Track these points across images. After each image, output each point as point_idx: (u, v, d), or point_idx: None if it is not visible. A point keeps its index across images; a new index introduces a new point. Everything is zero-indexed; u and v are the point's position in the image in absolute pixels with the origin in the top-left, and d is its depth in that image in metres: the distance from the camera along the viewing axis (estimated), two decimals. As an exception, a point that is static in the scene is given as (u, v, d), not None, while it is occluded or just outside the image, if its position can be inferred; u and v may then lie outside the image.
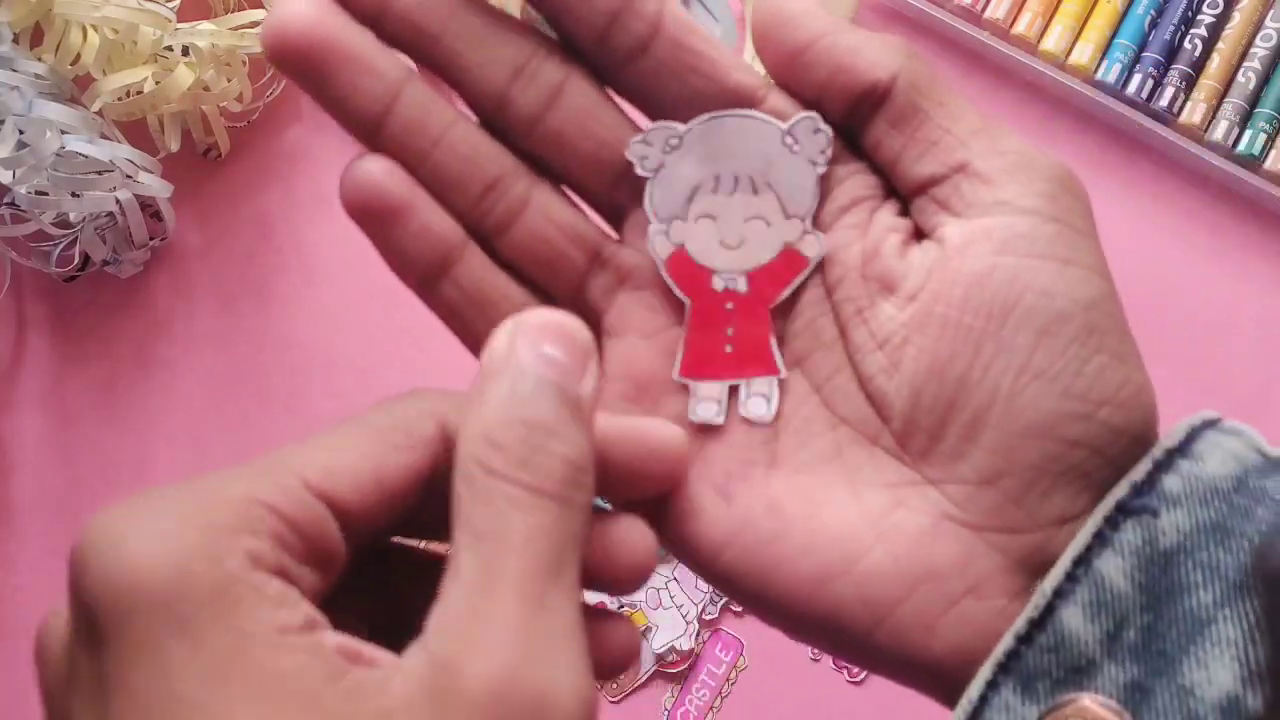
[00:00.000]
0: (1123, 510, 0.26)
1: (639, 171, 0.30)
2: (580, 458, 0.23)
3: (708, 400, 0.30)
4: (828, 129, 0.29)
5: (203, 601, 0.20)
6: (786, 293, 0.30)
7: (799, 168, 0.30)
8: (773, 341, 0.30)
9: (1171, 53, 0.57)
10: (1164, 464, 0.26)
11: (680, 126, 0.29)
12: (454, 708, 0.20)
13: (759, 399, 0.30)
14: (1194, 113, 0.56)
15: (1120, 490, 0.26)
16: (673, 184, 0.30)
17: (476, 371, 0.25)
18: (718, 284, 0.31)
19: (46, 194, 0.52)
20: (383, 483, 0.24)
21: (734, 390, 0.30)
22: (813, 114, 0.29)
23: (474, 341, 0.28)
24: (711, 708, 0.57)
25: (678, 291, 0.30)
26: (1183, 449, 0.27)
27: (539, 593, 0.22)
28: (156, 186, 0.55)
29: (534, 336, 0.24)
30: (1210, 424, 0.27)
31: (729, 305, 0.31)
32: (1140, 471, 0.26)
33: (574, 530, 0.23)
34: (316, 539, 0.23)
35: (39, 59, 0.53)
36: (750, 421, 0.29)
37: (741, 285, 0.31)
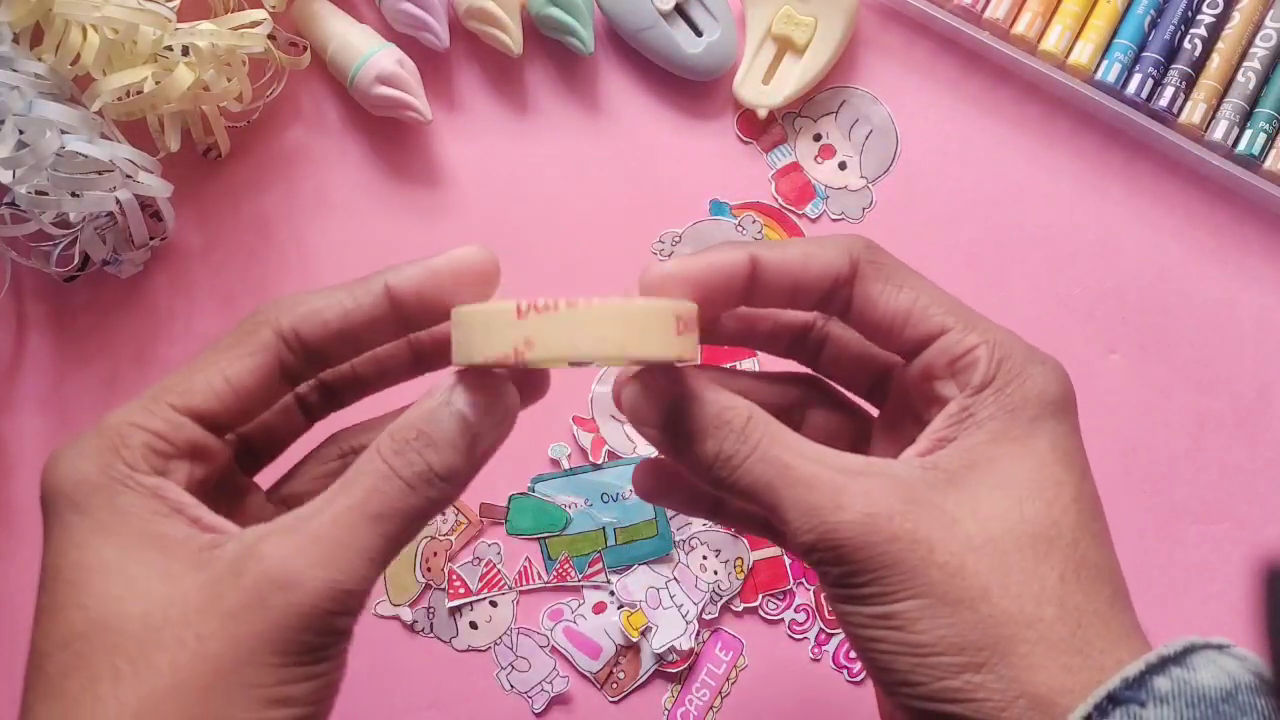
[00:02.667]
0: (1113, 699, 0.28)
1: (660, 259, 0.49)
2: (442, 468, 0.31)
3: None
4: (760, 220, 0.46)
5: (93, 491, 0.31)
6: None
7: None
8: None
9: (1171, 53, 0.57)
10: (1156, 667, 0.30)
11: (678, 230, 0.57)
12: (238, 568, 0.29)
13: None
14: (1194, 113, 0.56)
15: (1113, 682, 0.29)
16: None
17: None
18: None
19: (46, 194, 0.52)
20: (234, 384, 0.33)
21: (733, 369, 0.47)
22: (750, 213, 0.45)
23: None
24: (711, 708, 0.57)
25: None
26: (1178, 659, 0.30)
27: (351, 524, 0.30)
28: (156, 186, 0.55)
29: (471, 383, 0.32)
30: (1215, 646, 0.30)
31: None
32: (1133, 669, 0.29)
33: (408, 506, 0.31)
34: (183, 442, 0.32)
35: (39, 59, 0.53)
36: None
37: None
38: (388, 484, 0.30)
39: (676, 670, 0.57)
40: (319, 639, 0.30)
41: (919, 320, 0.33)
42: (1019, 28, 0.58)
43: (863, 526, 0.30)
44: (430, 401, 0.32)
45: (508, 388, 0.32)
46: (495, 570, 0.57)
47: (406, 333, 0.35)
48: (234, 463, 0.35)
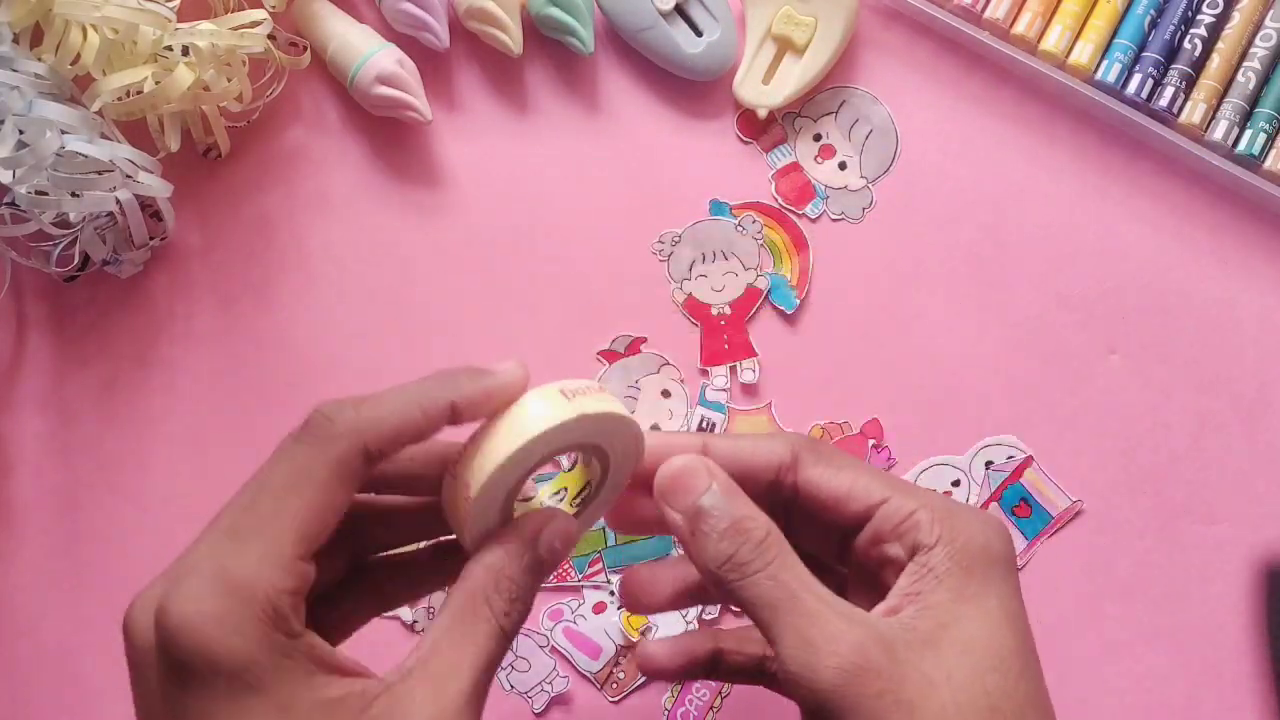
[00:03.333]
0: None
1: (659, 258, 0.58)
2: (524, 615, 0.36)
3: (720, 377, 0.58)
4: (760, 220, 0.55)
5: (264, 670, 0.31)
6: (753, 311, 0.58)
7: (748, 242, 0.58)
8: (751, 339, 0.57)
9: (1171, 53, 0.57)
10: None
11: (678, 230, 0.58)
12: None
13: (748, 371, 0.58)
14: (1194, 113, 0.56)
15: None
16: (680, 261, 0.58)
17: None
18: (714, 312, 0.58)
19: (46, 194, 0.52)
20: (339, 511, 0.34)
21: (734, 369, 0.58)
22: (750, 212, 0.53)
23: None
24: (711, 708, 0.57)
25: (690, 320, 0.57)
26: None
27: (477, 682, 0.34)
28: (156, 186, 0.55)
29: (555, 534, 0.36)
30: None
31: (722, 322, 0.58)
32: None
33: (501, 654, 0.35)
34: (307, 586, 0.33)
35: (39, 59, 0.53)
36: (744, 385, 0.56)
37: (728, 311, 0.58)
38: (499, 643, 0.34)
39: (676, 670, 0.57)
40: None
41: (860, 495, 0.38)
42: (1019, 28, 0.58)
43: (852, 675, 0.33)
44: (524, 554, 0.36)
45: (577, 530, 0.37)
46: (495, 570, 0.57)
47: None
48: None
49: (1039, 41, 0.58)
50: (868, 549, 0.38)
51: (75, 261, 0.57)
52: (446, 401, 0.35)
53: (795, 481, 0.39)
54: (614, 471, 0.38)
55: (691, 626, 0.56)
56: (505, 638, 0.35)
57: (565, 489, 0.39)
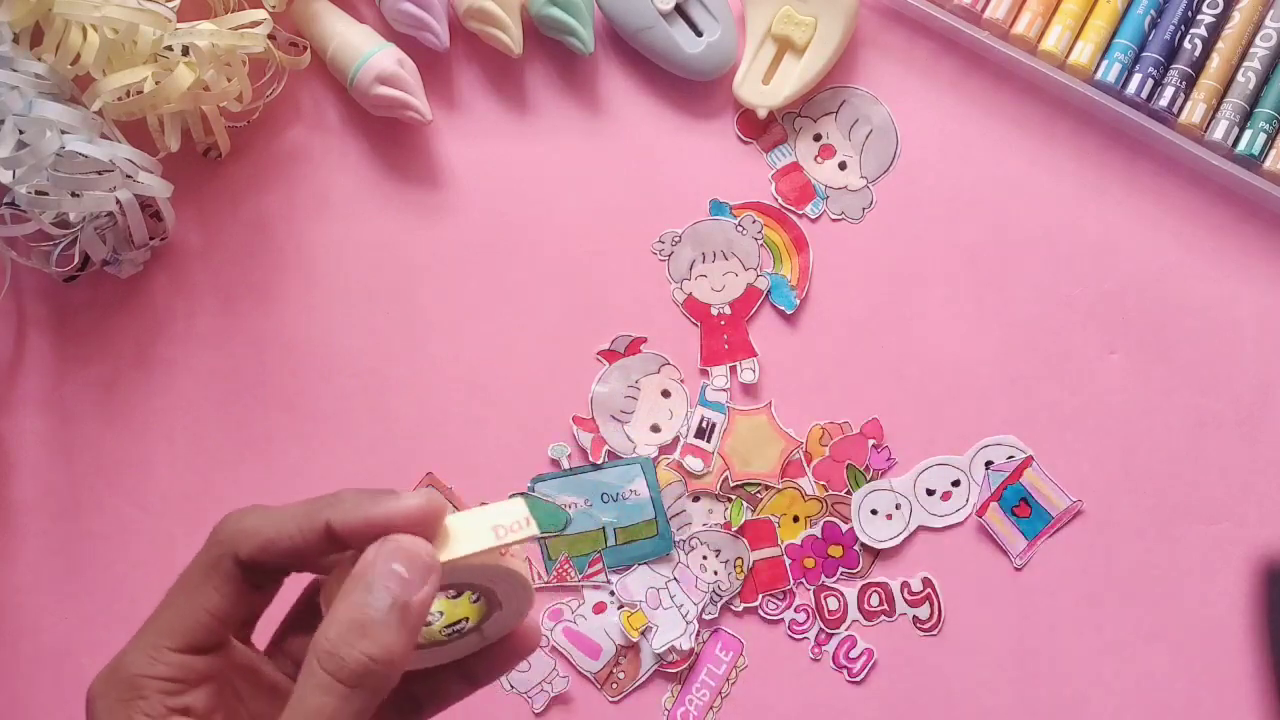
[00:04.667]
0: None
1: (659, 258, 0.59)
2: (381, 654, 0.34)
3: (720, 376, 0.58)
4: (760, 220, 0.57)
5: None
6: (753, 311, 0.58)
7: (748, 242, 0.59)
8: (751, 339, 0.58)
9: (1171, 53, 0.57)
10: None
11: (678, 230, 0.59)
12: None
13: (748, 371, 0.58)
14: (1194, 113, 0.56)
15: None
16: (680, 261, 0.59)
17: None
18: (714, 311, 0.59)
19: (46, 194, 0.52)
20: (215, 614, 0.37)
21: (733, 369, 0.58)
22: (750, 212, 0.58)
23: None
24: (711, 708, 0.57)
25: (690, 320, 0.58)
26: None
27: None
28: (156, 186, 0.55)
29: (389, 555, 0.34)
30: None
31: (722, 322, 0.58)
32: None
33: (356, 709, 0.34)
34: (192, 673, 0.37)
35: (39, 59, 0.53)
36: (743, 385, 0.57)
37: (727, 310, 0.58)
38: (328, 696, 0.34)
39: (676, 670, 0.57)
40: None
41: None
42: (1019, 28, 0.58)
43: None
44: (355, 593, 0.35)
45: (424, 548, 0.36)
46: (495, 570, 0.57)
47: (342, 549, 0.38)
48: (248, 654, 0.40)
49: (1039, 41, 0.58)
50: None
51: (75, 261, 0.57)
52: (322, 521, 0.37)
53: None
54: (495, 620, 0.38)
55: (692, 627, 0.56)
56: (344, 691, 0.34)
57: (442, 612, 0.39)
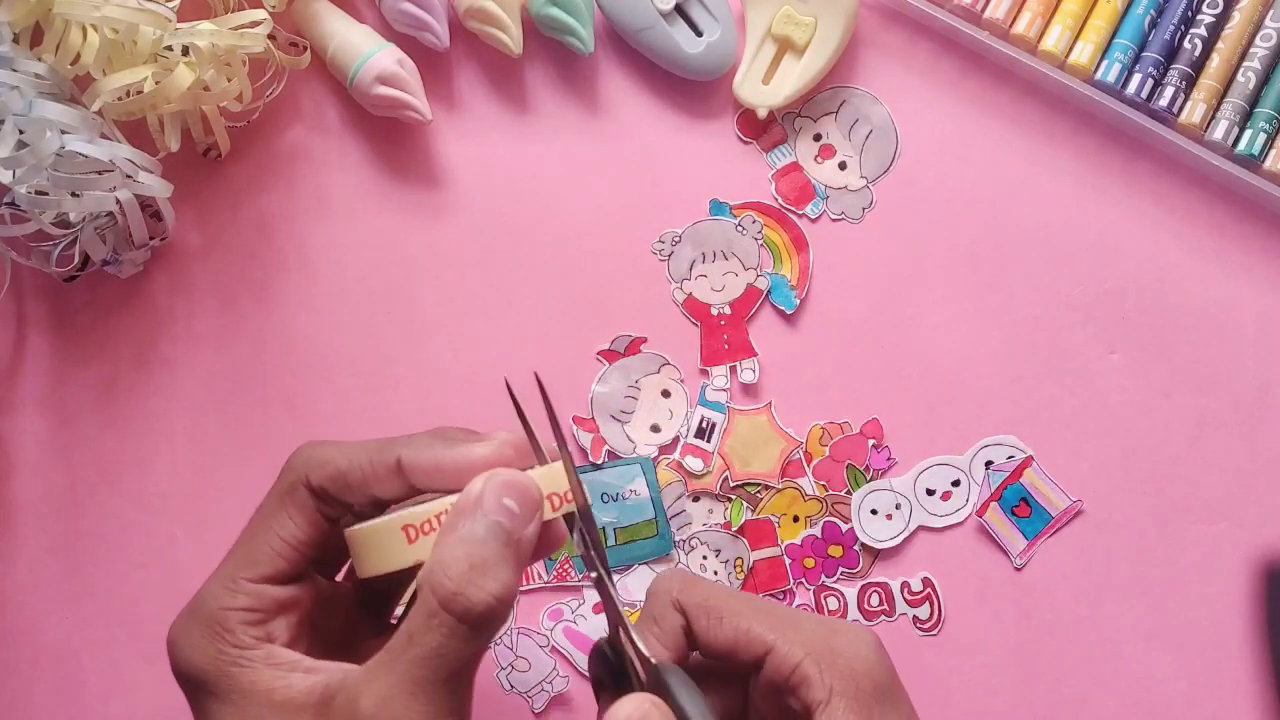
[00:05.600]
0: None
1: (659, 258, 0.58)
2: (503, 592, 0.34)
3: (720, 376, 0.58)
4: (760, 220, 0.57)
5: (219, 679, 0.36)
6: (753, 311, 0.58)
7: (748, 242, 0.58)
8: (751, 339, 0.58)
9: (1171, 53, 0.57)
10: None
11: (678, 230, 0.58)
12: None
13: (748, 371, 0.58)
14: (1194, 113, 0.56)
15: None
16: (680, 261, 0.59)
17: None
18: (714, 311, 0.58)
19: (46, 194, 0.52)
20: (291, 543, 0.38)
21: (733, 369, 0.58)
22: (750, 212, 0.57)
23: None
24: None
25: (690, 319, 0.57)
26: None
27: (430, 694, 0.34)
28: (156, 186, 0.55)
29: (498, 489, 0.35)
30: None
31: (722, 322, 0.58)
32: None
33: (474, 652, 0.35)
34: (271, 603, 0.37)
35: (39, 59, 0.53)
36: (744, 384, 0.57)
37: (727, 310, 0.58)
38: (452, 640, 0.34)
39: (676, 670, 0.57)
40: None
41: (745, 645, 0.38)
42: (1019, 28, 0.58)
43: None
44: (465, 525, 0.35)
45: (533, 483, 0.36)
46: (495, 570, 0.57)
47: (414, 491, 0.39)
48: (328, 587, 0.40)
49: (1039, 41, 0.58)
50: (764, 701, 0.39)
51: (75, 261, 0.57)
52: (394, 457, 0.37)
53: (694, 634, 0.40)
54: None
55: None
56: (467, 633, 0.34)
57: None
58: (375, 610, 0.43)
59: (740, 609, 0.39)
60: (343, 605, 0.41)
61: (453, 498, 0.36)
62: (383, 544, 0.36)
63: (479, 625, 0.34)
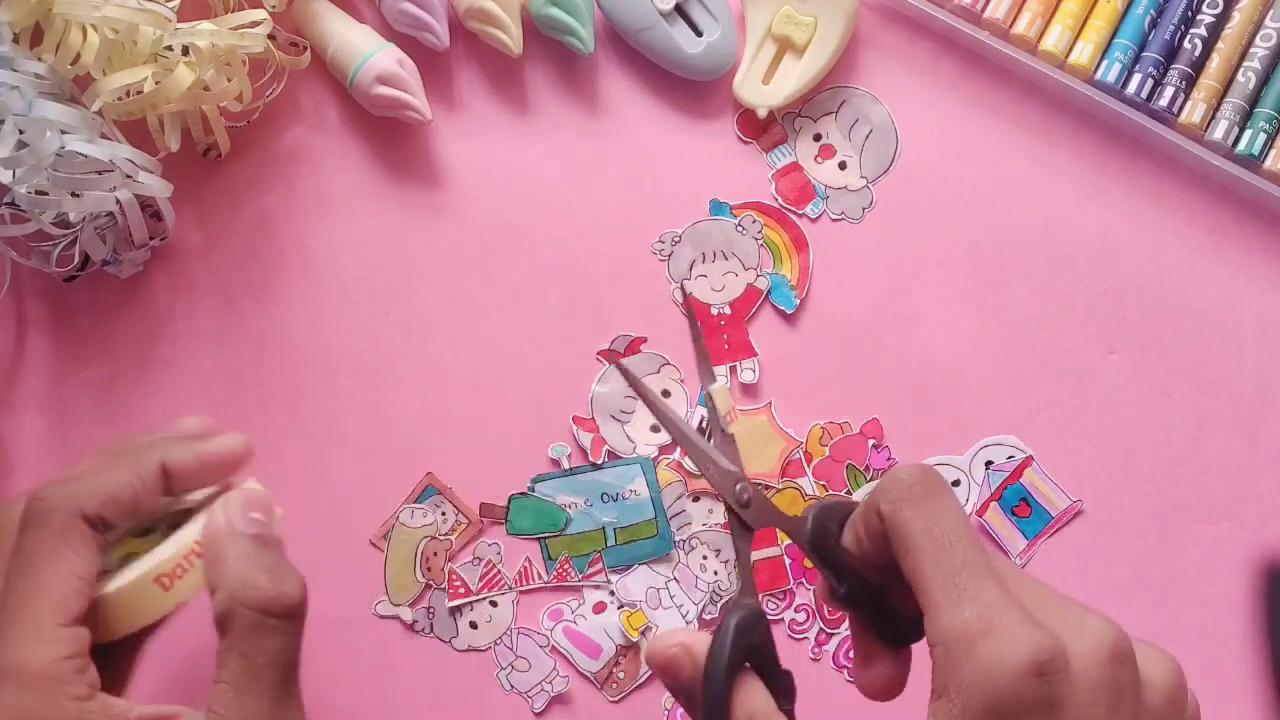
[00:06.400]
0: None
1: (659, 258, 0.58)
2: (303, 579, 0.38)
3: (720, 377, 0.57)
4: (760, 220, 0.57)
5: None
6: (753, 311, 0.58)
7: (748, 242, 0.58)
8: (751, 339, 0.58)
9: (1171, 53, 0.57)
10: None
11: (678, 230, 0.58)
12: None
13: (748, 371, 0.58)
14: (1194, 113, 0.56)
15: None
16: (680, 261, 0.58)
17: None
18: (714, 311, 0.58)
19: (46, 194, 0.52)
20: (87, 579, 0.37)
21: (734, 369, 0.58)
22: (750, 212, 0.57)
23: None
24: (711, 708, 0.57)
25: (691, 319, 0.49)
26: None
27: (278, 688, 0.37)
28: (156, 186, 0.55)
29: (240, 508, 0.39)
30: None
31: (723, 322, 0.58)
32: None
33: (297, 639, 0.38)
34: (85, 643, 0.37)
35: (39, 59, 0.53)
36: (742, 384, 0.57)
37: (728, 310, 0.58)
38: (278, 635, 0.37)
39: (676, 670, 0.57)
40: None
41: (919, 589, 0.34)
42: (1019, 28, 0.58)
43: None
44: (233, 548, 0.38)
45: (262, 492, 0.40)
46: (495, 570, 0.57)
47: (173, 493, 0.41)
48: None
49: (1039, 41, 0.58)
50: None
51: (75, 261, 0.57)
52: (156, 465, 0.39)
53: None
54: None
55: (692, 627, 0.56)
56: (293, 611, 0.38)
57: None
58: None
59: (927, 546, 0.34)
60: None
61: (188, 531, 0.39)
62: (141, 599, 0.38)
63: (301, 614, 0.38)
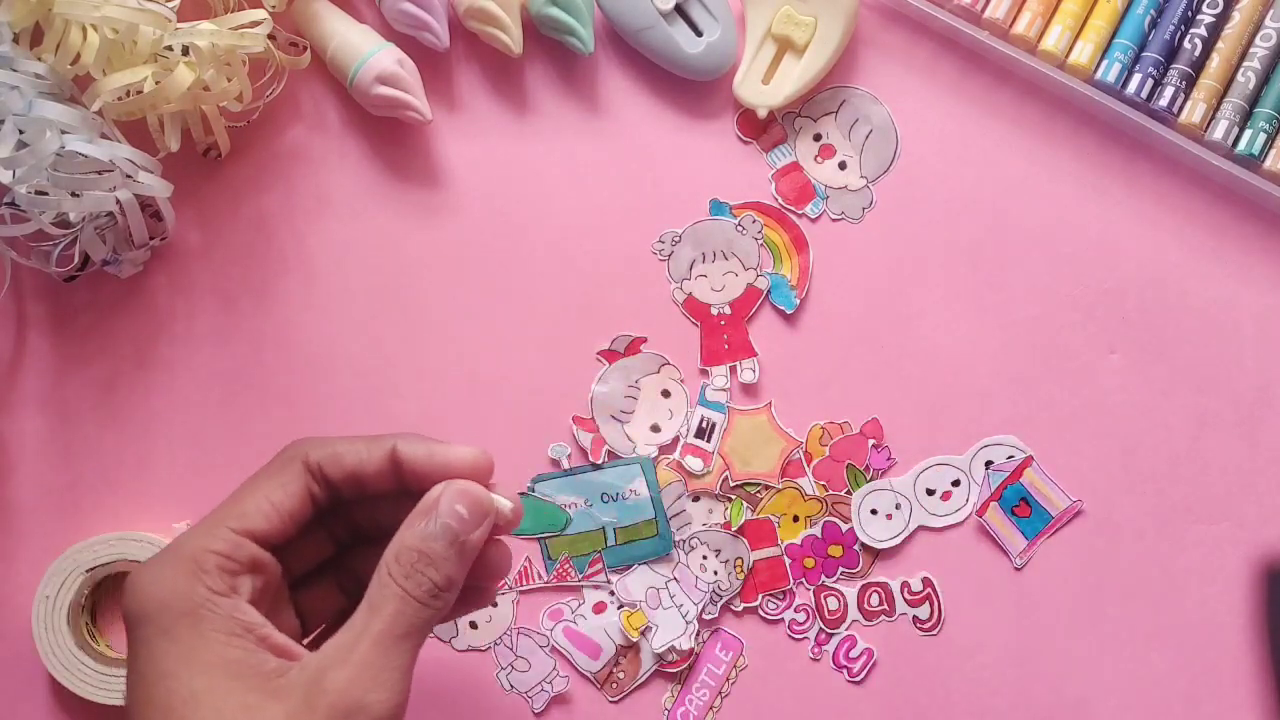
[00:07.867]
0: None
1: (659, 258, 0.58)
2: (444, 582, 0.39)
3: (720, 376, 0.58)
4: (760, 220, 0.57)
5: (179, 617, 0.37)
6: (752, 311, 0.58)
7: (748, 242, 0.59)
8: (751, 339, 0.58)
9: (1171, 52, 0.57)
10: None
11: (678, 230, 0.58)
12: (311, 702, 0.37)
13: (748, 371, 0.58)
14: (1194, 113, 0.56)
15: None
16: (680, 260, 0.59)
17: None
18: (714, 311, 0.58)
19: (46, 194, 0.52)
20: (278, 507, 0.40)
21: (733, 369, 0.58)
22: (750, 212, 0.58)
23: None
24: (711, 708, 0.57)
25: (690, 320, 0.57)
26: None
27: (387, 647, 0.38)
28: (156, 186, 0.55)
29: (453, 496, 0.40)
30: None
31: (722, 322, 0.58)
32: None
33: (425, 620, 0.39)
34: (245, 559, 0.39)
35: (39, 59, 0.53)
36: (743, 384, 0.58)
37: (727, 310, 0.58)
38: (406, 606, 0.38)
39: (676, 670, 0.57)
40: None
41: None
42: (1019, 28, 0.58)
43: None
44: (421, 524, 0.40)
45: (484, 494, 0.41)
46: (495, 570, 0.57)
47: (401, 488, 0.42)
48: (282, 575, 0.42)
49: (1039, 41, 0.58)
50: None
51: (75, 261, 0.57)
52: (390, 446, 0.41)
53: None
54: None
55: (692, 627, 0.56)
56: (417, 604, 0.39)
57: None
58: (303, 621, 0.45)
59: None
60: (283, 601, 0.43)
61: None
62: None
63: (424, 601, 0.39)
